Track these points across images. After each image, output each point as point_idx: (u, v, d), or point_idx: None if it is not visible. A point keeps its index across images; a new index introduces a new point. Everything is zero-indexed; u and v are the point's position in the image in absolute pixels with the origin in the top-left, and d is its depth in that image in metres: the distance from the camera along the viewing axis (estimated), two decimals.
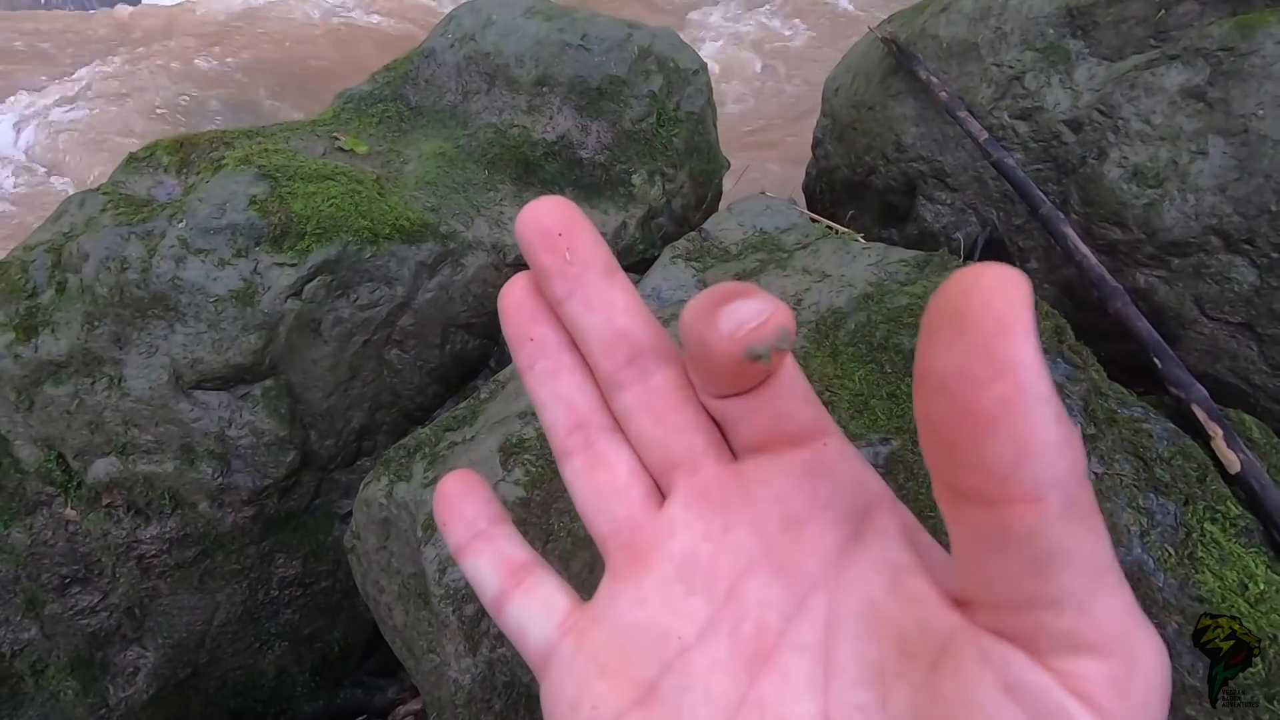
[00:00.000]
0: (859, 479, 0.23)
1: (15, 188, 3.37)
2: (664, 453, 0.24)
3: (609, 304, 0.24)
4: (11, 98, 3.83)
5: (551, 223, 0.23)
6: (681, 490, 0.24)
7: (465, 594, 0.90)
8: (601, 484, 0.25)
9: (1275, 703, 0.67)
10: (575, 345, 0.25)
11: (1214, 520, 0.79)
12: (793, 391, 0.23)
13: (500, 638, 0.86)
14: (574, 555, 0.85)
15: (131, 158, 1.60)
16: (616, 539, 0.25)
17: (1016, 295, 0.15)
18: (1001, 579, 0.17)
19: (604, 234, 1.74)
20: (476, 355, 1.63)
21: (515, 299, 0.25)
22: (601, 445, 0.25)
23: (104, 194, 1.49)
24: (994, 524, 0.17)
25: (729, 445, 0.24)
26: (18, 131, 3.66)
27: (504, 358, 1.63)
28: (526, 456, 0.98)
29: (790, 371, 0.23)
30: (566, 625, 0.25)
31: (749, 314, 0.20)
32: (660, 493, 0.25)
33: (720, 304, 0.20)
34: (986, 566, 0.18)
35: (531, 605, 0.26)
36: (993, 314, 0.15)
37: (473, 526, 0.27)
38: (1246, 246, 1.19)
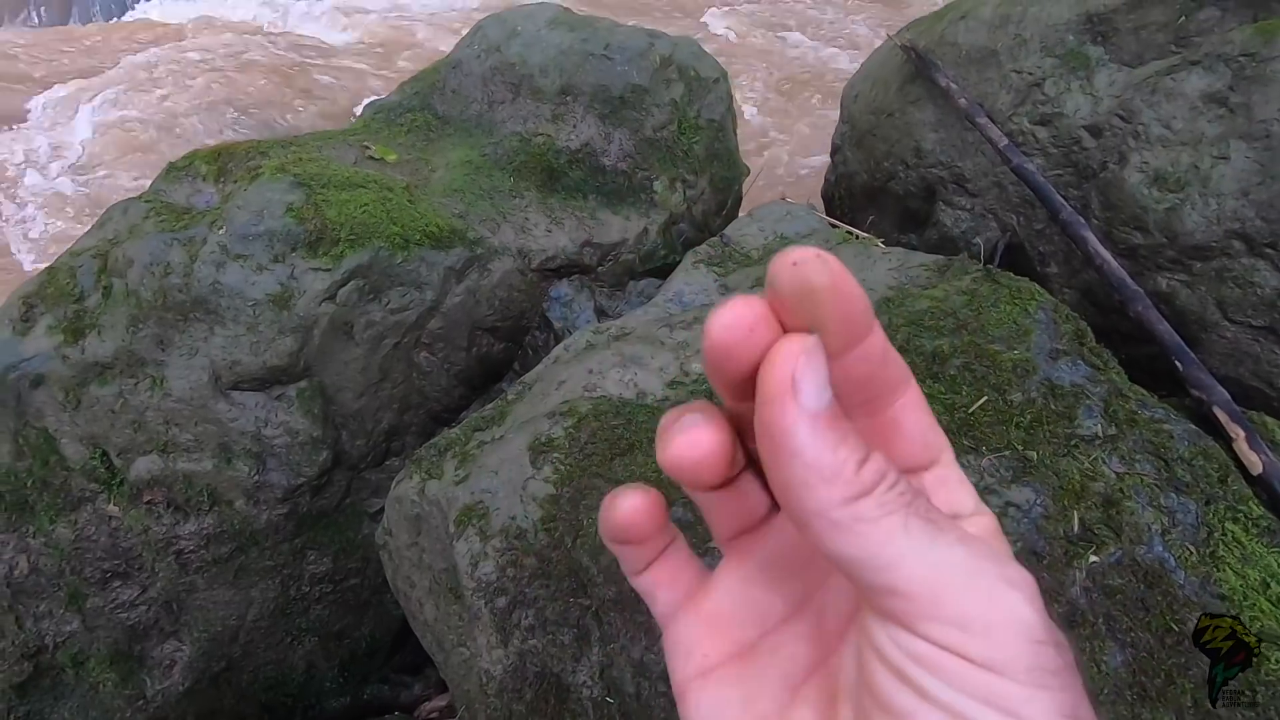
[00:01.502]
0: (953, 506, 0.27)
1: (52, 197, 3.49)
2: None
3: None
4: (43, 110, 3.96)
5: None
6: None
7: (497, 587, 0.92)
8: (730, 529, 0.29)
9: None
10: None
11: (1236, 520, 0.80)
12: (916, 424, 0.26)
13: (532, 629, 0.89)
14: (604, 549, 0.88)
15: (171, 167, 1.66)
16: (736, 543, 0.29)
17: (783, 365, 0.21)
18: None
19: (626, 240, 1.78)
20: (501, 358, 1.66)
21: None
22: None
23: (146, 202, 1.54)
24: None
25: None
26: (53, 141, 3.79)
27: (528, 361, 1.66)
28: (555, 455, 1.01)
29: (914, 397, 0.25)
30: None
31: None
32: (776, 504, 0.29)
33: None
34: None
35: (693, 617, 0.30)
36: (766, 382, 0.21)
37: (654, 551, 0.29)
38: (1269, 250, 1.19)
